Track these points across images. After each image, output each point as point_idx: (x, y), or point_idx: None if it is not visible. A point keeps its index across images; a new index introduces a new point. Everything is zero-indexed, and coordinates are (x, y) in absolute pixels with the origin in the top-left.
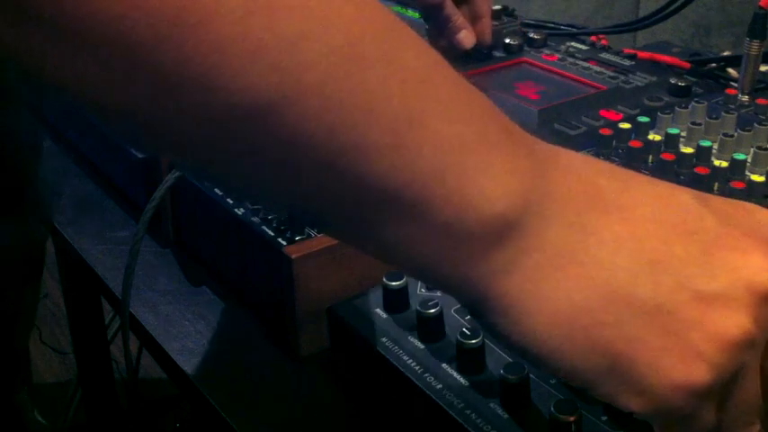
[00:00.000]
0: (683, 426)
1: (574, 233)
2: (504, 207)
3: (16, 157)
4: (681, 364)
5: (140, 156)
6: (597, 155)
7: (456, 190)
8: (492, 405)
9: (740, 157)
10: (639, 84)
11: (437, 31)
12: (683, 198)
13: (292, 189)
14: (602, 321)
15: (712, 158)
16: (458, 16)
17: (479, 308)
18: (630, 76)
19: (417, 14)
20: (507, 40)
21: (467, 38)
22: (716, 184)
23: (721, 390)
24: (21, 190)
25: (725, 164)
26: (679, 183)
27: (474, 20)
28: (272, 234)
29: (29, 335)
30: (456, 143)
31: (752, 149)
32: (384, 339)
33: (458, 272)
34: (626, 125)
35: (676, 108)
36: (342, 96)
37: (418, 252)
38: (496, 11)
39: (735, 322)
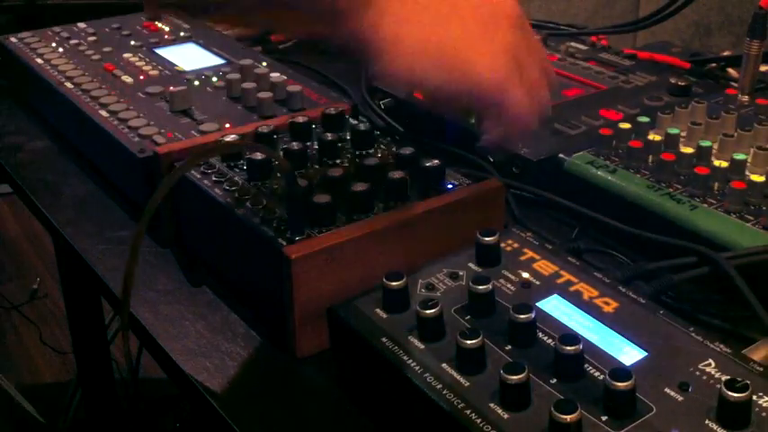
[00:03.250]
0: (510, 102)
1: None
2: None
3: None
4: (483, 58)
5: (140, 156)
6: (597, 155)
7: None
8: (492, 405)
9: (740, 157)
10: (639, 84)
11: None
12: None
13: None
14: (441, 44)
15: (712, 158)
16: None
17: (368, 55)
18: (630, 76)
19: None
20: None
21: None
22: (716, 184)
23: (520, 70)
24: None
25: (725, 164)
26: (679, 183)
27: None
28: (272, 234)
29: None
30: None
31: (752, 149)
32: (384, 339)
33: (347, 30)
34: (626, 125)
35: (676, 108)
36: None
37: (319, 17)
38: None
39: (507, 33)
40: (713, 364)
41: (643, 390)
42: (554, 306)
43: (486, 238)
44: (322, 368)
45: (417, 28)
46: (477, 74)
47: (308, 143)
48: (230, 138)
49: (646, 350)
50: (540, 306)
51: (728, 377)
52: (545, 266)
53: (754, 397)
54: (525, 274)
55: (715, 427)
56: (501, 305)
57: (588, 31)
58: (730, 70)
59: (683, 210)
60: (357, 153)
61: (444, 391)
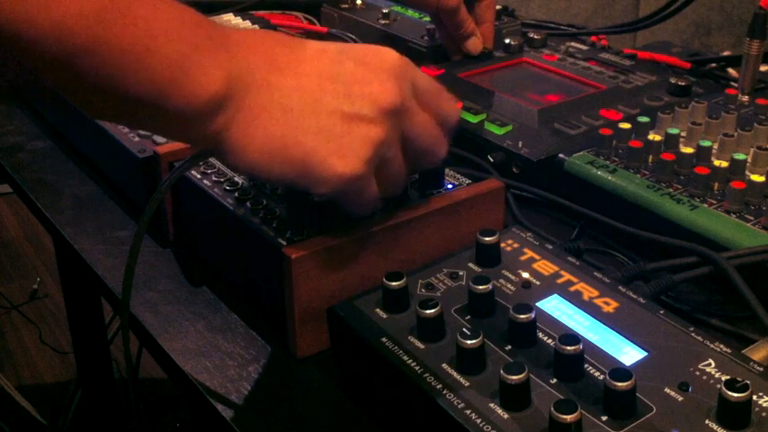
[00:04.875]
0: (357, 196)
1: (263, 91)
2: (216, 89)
3: None
4: (341, 160)
5: (140, 156)
6: (597, 155)
7: (184, 86)
8: (492, 405)
9: (740, 157)
10: (639, 84)
11: (447, 34)
12: (330, 52)
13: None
14: (288, 143)
15: (712, 158)
16: (469, 22)
17: (217, 151)
18: (630, 76)
19: (417, 14)
20: (507, 40)
21: (475, 44)
22: (716, 184)
23: (375, 170)
24: None
25: (725, 164)
26: (679, 183)
27: (477, 24)
28: (272, 234)
29: None
30: (178, 57)
31: (752, 149)
32: (384, 339)
33: (197, 134)
34: (626, 125)
35: (676, 108)
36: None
37: (167, 127)
38: (496, 11)
39: (371, 130)
40: (713, 364)
41: (643, 390)
42: (554, 306)
43: (486, 238)
44: (322, 368)
45: (264, 129)
46: (321, 173)
47: None
48: None
49: (646, 350)
50: (540, 306)
51: (728, 377)
52: (545, 266)
53: (754, 397)
54: (525, 274)
55: (715, 427)
56: (501, 305)
57: (588, 31)
58: (730, 70)
59: (683, 210)
60: None
61: (444, 391)
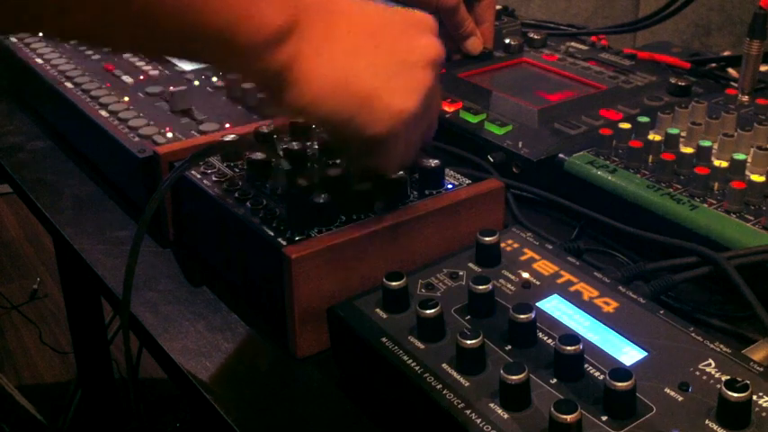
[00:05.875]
0: (403, 141)
1: (328, 25)
2: (282, 21)
3: None
4: (401, 98)
5: (140, 156)
6: (597, 155)
7: (252, 18)
8: (492, 405)
9: (740, 157)
10: (639, 84)
11: (446, 34)
12: (379, 5)
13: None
14: (351, 78)
15: (712, 158)
16: (469, 22)
17: (277, 86)
18: (630, 76)
19: None
20: (507, 40)
21: (474, 44)
22: (716, 184)
23: (418, 119)
24: None
25: (725, 164)
26: (679, 183)
27: (477, 25)
28: (272, 234)
29: None
30: None
31: (752, 149)
32: (384, 339)
33: (262, 66)
34: (626, 125)
35: (676, 108)
36: None
37: (231, 60)
38: (497, 11)
39: (424, 76)
40: (713, 364)
41: (643, 390)
42: (554, 306)
43: (486, 238)
44: (322, 368)
45: (328, 62)
46: (381, 109)
47: (308, 143)
48: (230, 138)
49: (646, 350)
50: (540, 306)
51: (728, 377)
52: (545, 266)
53: (754, 397)
54: (525, 274)
55: (715, 427)
56: (501, 305)
57: (588, 31)
58: (730, 70)
59: (683, 210)
60: None
61: (444, 391)
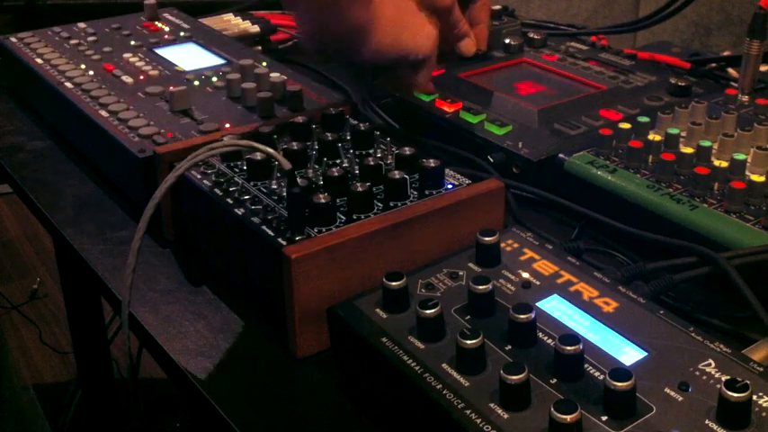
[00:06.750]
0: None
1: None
2: None
3: None
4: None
5: (140, 156)
6: (597, 155)
7: None
8: (492, 405)
9: (740, 157)
10: (639, 84)
11: (441, 34)
12: None
13: None
14: (404, 16)
15: (712, 158)
16: (463, 23)
17: (354, 41)
18: (630, 76)
19: None
20: (507, 40)
21: (468, 45)
22: (716, 184)
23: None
24: None
25: (725, 164)
26: (679, 183)
27: (471, 26)
28: (272, 234)
29: None
30: None
31: (752, 149)
32: (384, 339)
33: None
34: (626, 125)
35: (676, 108)
36: None
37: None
38: (496, 11)
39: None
40: (713, 364)
41: (643, 390)
42: (554, 306)
43: (486, 238)
44: (322, 368)
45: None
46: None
47: (308, 143)
48: (229, 138)
49: (646, 350)
50: (540, 306)
51: (728, 377)
52: (545, 266)
53: (754, 397)
54: (525, 274)
55: (715, 427)
56: (501, 305)
57: (588, 31)
58: (730, 70)
59: (683, 210)
60: (357, 153)
61: (444, 391)
